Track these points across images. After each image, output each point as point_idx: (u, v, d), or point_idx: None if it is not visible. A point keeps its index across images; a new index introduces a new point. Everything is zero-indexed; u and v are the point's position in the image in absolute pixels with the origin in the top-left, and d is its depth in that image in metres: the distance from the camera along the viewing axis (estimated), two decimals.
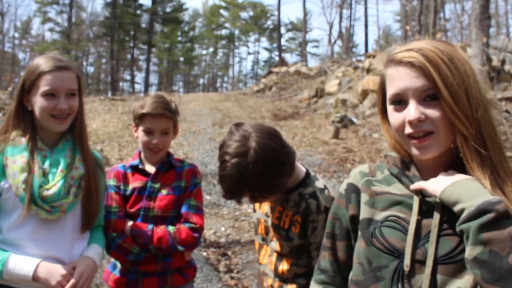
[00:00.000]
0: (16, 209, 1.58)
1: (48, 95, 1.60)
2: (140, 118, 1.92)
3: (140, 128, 1.93)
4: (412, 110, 1.02)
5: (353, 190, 1.21)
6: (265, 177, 1.45)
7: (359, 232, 1.16)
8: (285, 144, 1.55)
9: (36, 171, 1.59)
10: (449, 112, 1.00)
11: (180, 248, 1.86)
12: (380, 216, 1.12)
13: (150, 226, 1.87)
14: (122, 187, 1.94)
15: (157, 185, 1.94)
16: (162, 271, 1.90)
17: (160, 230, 1.86)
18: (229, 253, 4.74)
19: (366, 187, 1.18)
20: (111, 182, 1.95)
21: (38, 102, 1.61)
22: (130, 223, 1.88)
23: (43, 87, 1.60)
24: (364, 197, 1.18)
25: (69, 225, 1.67)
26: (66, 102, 1.62)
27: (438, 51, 1.03)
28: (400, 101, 1.06)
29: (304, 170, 1.68)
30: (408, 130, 1.04)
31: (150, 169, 1.98)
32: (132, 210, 1.91)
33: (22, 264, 1.54)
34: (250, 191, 1.48)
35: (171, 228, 1.87)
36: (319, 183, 1.65)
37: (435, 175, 1.07)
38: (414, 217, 1.06)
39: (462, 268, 0.99)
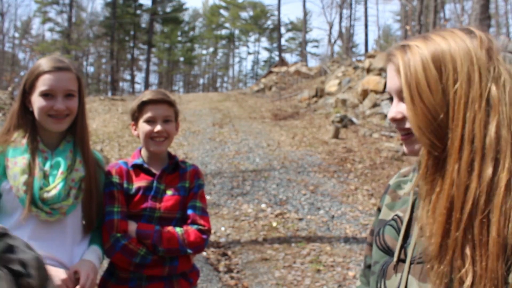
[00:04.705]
0: (16, 210, 1.59)
1: (45, 95, 1.61)
2: (140, 109, 1.84)
3: (141, 120, 1.84)
4: (390, 110, 1.02)
5: (385, 191, 1.22)
6: None
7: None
8: None
9: (37, 173, 1.59)
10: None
11: (188, 250, 1.78)
12: (390, 216, 1.13)
13: (157, 227, 1.77)
14: (125, 185, 1.82)
15: (162, 186, 1.85)
16: (168, 275, 1.79)
17: (168, 230, 1.77)
18: (229, 253, 4.74)
19: (393, 189, 1.18)
20: (113, 179, 1.81)
21: (36, 102, 1.62)
22: (134, 223, 1.77)
23: (41, 87, 1.60)
24: (387, 199, 1.18)
25: (69, 226, 1.67)
26: (63, 103, 1.62)
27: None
28: (391, 98, 1.03)
29: None
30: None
31: (154, 168, 1.88)
32: (136, 210, 1.80)
33: None
34: None
35: (179, 230, 1.79)
36: None
37: None
38: (406, 217, 1.06)
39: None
